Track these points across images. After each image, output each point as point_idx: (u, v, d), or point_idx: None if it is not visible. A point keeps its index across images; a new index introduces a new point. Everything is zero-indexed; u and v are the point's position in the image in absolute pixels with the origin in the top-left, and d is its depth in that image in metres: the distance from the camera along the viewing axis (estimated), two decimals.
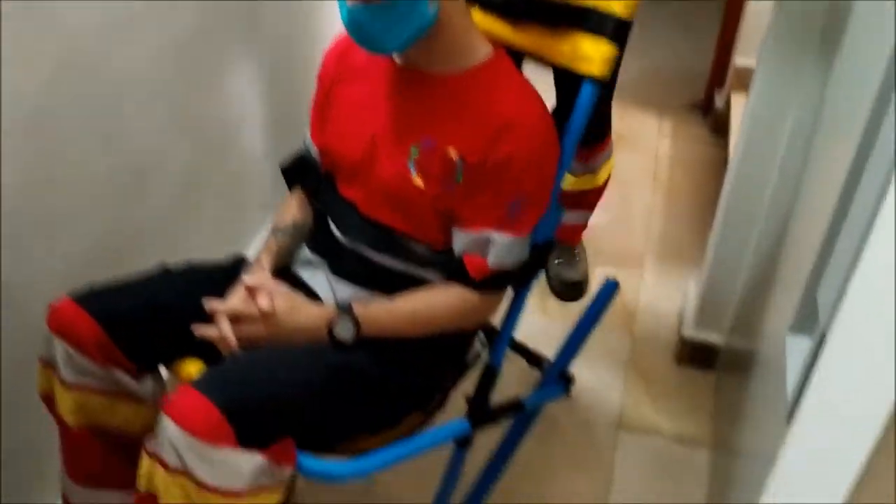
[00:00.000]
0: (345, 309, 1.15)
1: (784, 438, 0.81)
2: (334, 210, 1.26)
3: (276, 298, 1.13)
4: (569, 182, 1.95)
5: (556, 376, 1.39)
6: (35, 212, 1.25)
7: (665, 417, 1.85)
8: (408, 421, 1.22)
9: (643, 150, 2.73)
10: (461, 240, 1.16)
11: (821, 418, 0.75)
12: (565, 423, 1.84)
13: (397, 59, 1.19)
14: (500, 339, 1.28)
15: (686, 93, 3.00)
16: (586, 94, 1.18)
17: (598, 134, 1.89)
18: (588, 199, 2.05)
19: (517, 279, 1.21)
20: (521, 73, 1.19)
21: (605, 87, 1.71)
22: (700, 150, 2.76)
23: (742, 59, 2.60)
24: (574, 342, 1.37)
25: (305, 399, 1.07)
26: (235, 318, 1.13)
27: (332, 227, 1.25)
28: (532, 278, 1.24)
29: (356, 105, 1.22)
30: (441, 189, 1.14)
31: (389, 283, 1.20)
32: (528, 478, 1.71)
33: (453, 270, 1.17)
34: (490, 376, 1.28)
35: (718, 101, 2.78)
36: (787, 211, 1.44)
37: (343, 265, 1.24)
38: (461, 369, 1.33)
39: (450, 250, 1.18)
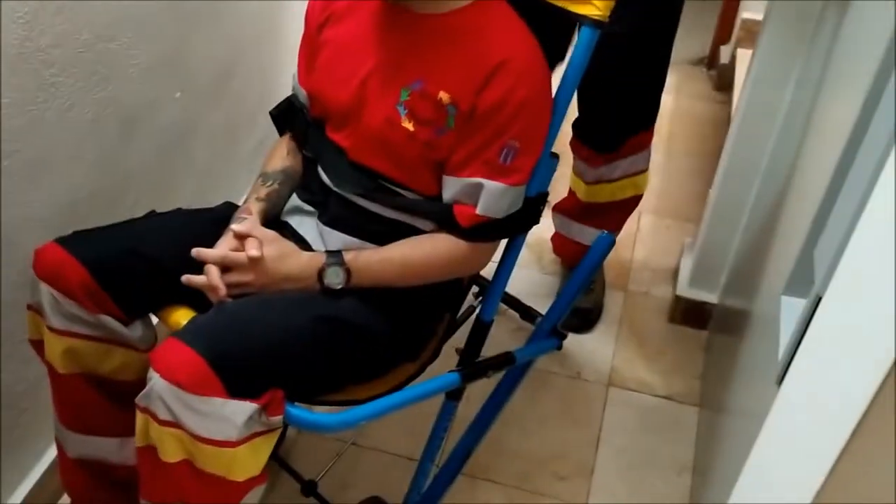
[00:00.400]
0: (335, 256, 1.13)
1: (774, 400, 0.80)
2: (324, 156, 1.23)
3: (265, 246, 1.11)
4: (580, 191, 1.83)
5: (548, 330, 1.37)
6: (21, 156, 1.23)
7: (656, 375, 1.86)
8: (399, 371, 1.21)
9: None
10: (451, 187, 1.14)
11: (811, 380, 0.73)
12: (556, 377, 1.84)
13: None
14: (492, 292, 1.26)
15: (691, 47, 2.94)
16: (584, 40, 1.13)
17: (623, 131, 1.72)
18: (608, 215, 1.85)
19: (508, 229, 1.18)
20: (513, 11, 1.15)
21: (637, 70, 1.65)
22: (703, 106, 2.72)
23: (749, 13, 2.54)
24: (566, 296, 1.35)
25: (294, 348, 1.06)
26: (224, 266, 1.11)
27: (322, 174, 1.22)
28: (525, 230, 1.21)
29: (343, 47, 1.18)
30: (432, 134, 1.11)
31: (380, 232, 1.18)
32: (518, 430, 1.72)
33: (444, 219, 1.15)
34: (481, 329, 1.26)
35: (724, 56, 2.73)
36: (787, 170, 1.42)
37: (333, 213, 1.21)
38: (454, 320, 1.32)
39: (441, 197, 1.16)
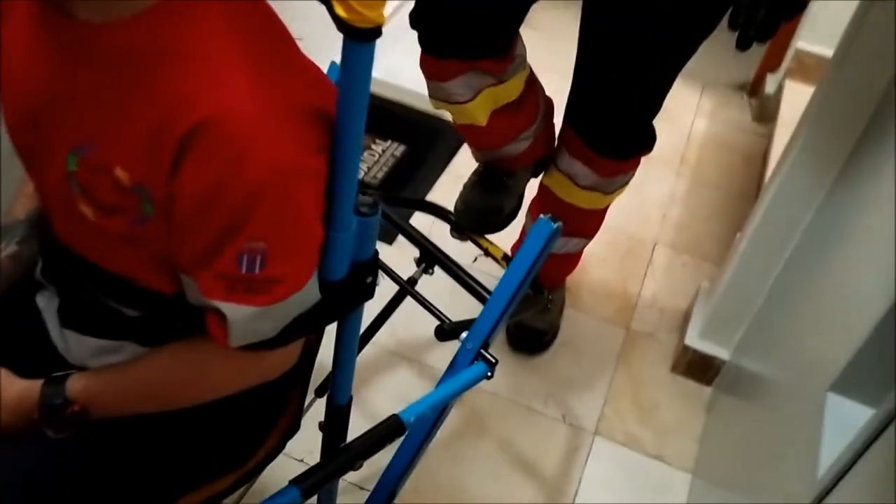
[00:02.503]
0: (55, 387, 0.79)
1: None
2: (42, 223, 0.88)
3: None
4: (564, 191, 1.52)
5: (473, 353, 1.03)
6: None
7: (648, 431, 1.66)
8: (216, 484, 0.93)
9: (675, 127, 2.47)
10: (190, 289, 0.76)
11: None
12: (539, 416, 1.64)
13: None
14: (340, 374, 0.94)
15: (734, 70, 2.72)
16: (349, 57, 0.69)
17: (637, 144, 1.47)
18: (585, 223, 1.59)
19: (306, 328, 0.79)
20: (238, 18, 0.71)
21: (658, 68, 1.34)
22: (738, 136, 2.51)
23: (805, 42, 2.32)
24: (497, 302, 0.99)
25: None
26: None
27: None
28: (343, 314, 0.86)
29: (12, 60, 0.77)
30: (125, 226, 0.73)
31: (139, 333, 0.83)
32: (486, 473, 1.53)
33: (201, 324, 0.78)
34: (337, 416, 0.96)
35: (769, 86, 2.51)
36: (841, 229, 1.22)
37: (72, 302, 0.86)
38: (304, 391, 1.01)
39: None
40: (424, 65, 1.36)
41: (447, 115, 1.49)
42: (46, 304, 0.90)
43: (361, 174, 2.07)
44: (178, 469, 0.88)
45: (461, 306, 1.18)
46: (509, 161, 1.54)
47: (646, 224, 2.13)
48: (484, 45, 1.32)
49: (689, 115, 2.54)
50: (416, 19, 1.31)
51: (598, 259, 1.98)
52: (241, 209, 0.69)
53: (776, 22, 1.06)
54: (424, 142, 2.22)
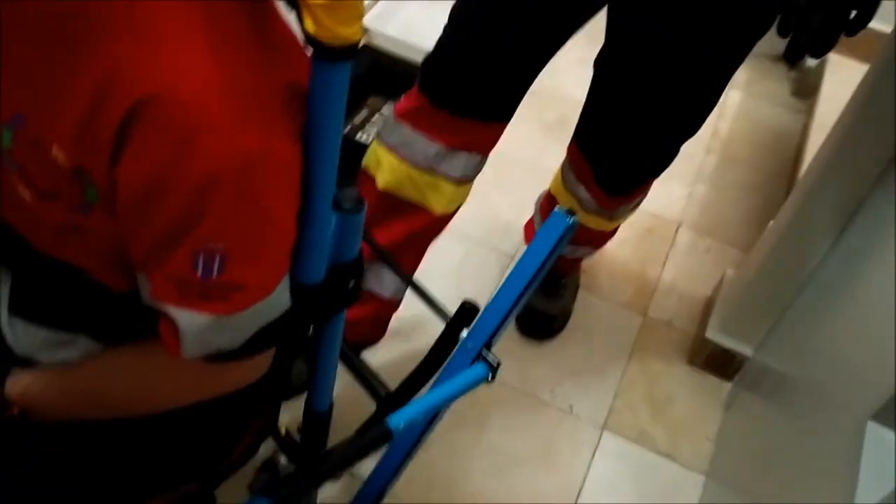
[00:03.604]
0: None
1: None
2: None
3: None
4: (567, 204, 1.40)
5: (473, 353, 0.94)
6: None
7: (660, 427, 1.55)
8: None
9: None
10: (144, 290, 0.66)
11: None
12: (545, 407, 1.54)
13: None
14: (320, 379, 0.84)
15: (774, 41, 2.54)
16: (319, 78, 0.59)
17: (653, 172, 1.34)
18: (593, 238, 1.50)
19: (274, 337, 0.68)
20: None
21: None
22: (775, 112, 2.35)
23: None
24: (505, 298, 0.91)
25: None
26: None
27: None
28: (316, 323, 0.76)
29: None
30: (66, 214, 0.63)
31: (93, 327, 0.73)
32: (487, 466, 1.43)
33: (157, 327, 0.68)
34: (316, 422, 0.86)
35: (811, 59, 2.35)
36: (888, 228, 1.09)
37: (24, 290, 0.75)
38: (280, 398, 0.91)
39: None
40: (430, 122, 1.17)
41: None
42: None
43: (369, 140, 1.95)
44: (141, 474, 0.79)
45: (470, 285, 1.06)
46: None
47: (669, 202, 2.00)
48: (497, 104, 1.17)
49: None
50: (430, 76, 1.16)
51: (616, 238, 1.84)
52: (191, 204, 0.58)
53: (834, 34, 0.91)
54: None
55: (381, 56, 1.99)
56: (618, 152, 1.28)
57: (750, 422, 1.45)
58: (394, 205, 1.22)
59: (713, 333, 1.60)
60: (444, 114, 1.15)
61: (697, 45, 1.09)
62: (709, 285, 1.78)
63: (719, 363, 1.62)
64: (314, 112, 0.59)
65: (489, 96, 1.16)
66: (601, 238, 1.51)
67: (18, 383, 0.71)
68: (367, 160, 1.24)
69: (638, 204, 1.44)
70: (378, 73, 1.95)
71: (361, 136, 1.91)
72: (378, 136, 1.23)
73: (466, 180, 1.24)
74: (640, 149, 1.26)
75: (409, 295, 1.65)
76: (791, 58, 0.90)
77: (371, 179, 1.22)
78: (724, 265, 1.78)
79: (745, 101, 2.36)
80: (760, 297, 1.51)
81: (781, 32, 0.92)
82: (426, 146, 1.17)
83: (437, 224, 1.27)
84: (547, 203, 1.53)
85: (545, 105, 2.07)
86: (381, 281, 1.27)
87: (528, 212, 1.69)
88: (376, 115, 2.04)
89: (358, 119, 1.96)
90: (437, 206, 1.22)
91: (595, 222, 1.42)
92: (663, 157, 1.29)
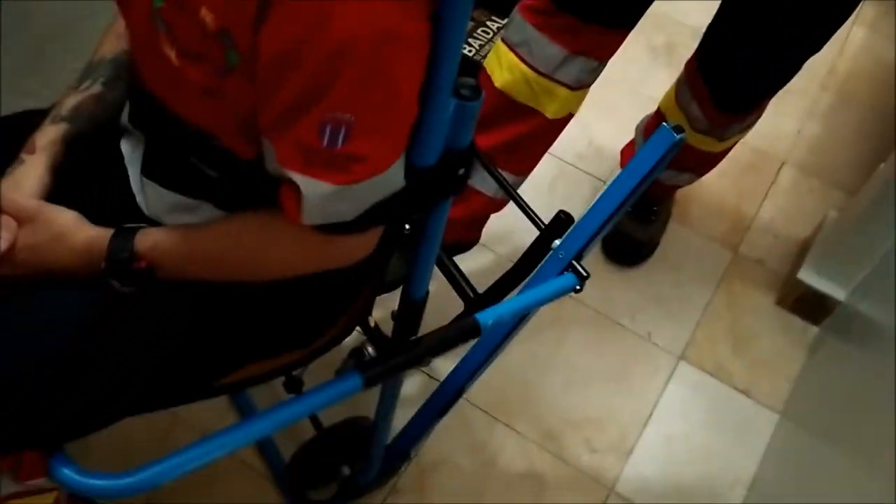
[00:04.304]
0: (123, 240, 0.75)
1: None
2: (130, 65, 0.82)
3: (22, 229, 0.76)
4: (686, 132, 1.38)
5: (565, 262, 0.94)
6: None
7: (739, 362, 1.55)
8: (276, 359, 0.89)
9: None
10: (269, 157, 0.70)
11: None
12: (623, 331, 1.56)
13: None
14: (419, 267, 0.83)
15: None
16: None
17: (766, 94, 1.32)
18: (698, 162, 1.47)
19: (384, 217, 0.72)
20: None
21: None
22: None
23: None
24: (599, 212, 0.90)
25: (53, 379, 0.72)
26: None
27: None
28: (429, 206, 0.77)
29: None
30: (208, 76, 0.67)
31: (217, 194, 0.78)
32: (561, 379, 1.47)
33: (278, 195, 0.72)
34: (412, 309, 0.86)
35: None
36: None
37: (156, 152, 0.80)
38: (377, 291, 0.94)
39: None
40: (554, 24, 1.18)
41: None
42: (131, 151, 0.85)
43: (470, 52, 1.94)
44: (244, 338, 0.85)
45: (560, 205, 1.07)
46: None
47: (776, 138, 1.93)
48: (623, 10, 1.19)
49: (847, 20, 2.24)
50: None
51: (715, 170, 1.80)
52: (323, 71, 0.61)
53: None
54: None
55: None
56: (739, 71, 1.26)
57: (834, 367, 1.42)
58: (509, 105, 1.25)
59: (806, 275, 1.56)
60: (569, 18, 1.16)
61: None
62: (807, 226, 1.72)
63: (809, 306, 1.59)
64: None
65: (615, 2, 1.17)
66: (704, 163, 1.48)
67: (148, 238, 0.76)
68: (489, 59, 1.28)
69: (748, 127, 1.40)
70: None
71: (463, 48, 1.90)
72: (503, 34, 1.25)
73: (582, 86, 1.26)
74: (762, 66, 1.23)
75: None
76: None
77: (489, 79, 1.25)
78: (826, 207, 1.72)
79: (868, 38, 2.21)
80: (861, 242, 1.46)
81: None
82: (547, 48, 1.19)
83: (550, 129, 1.30)
84: (654, 123, 1.51)
85: (656, 28, 2.00)
86: (487, 178, 1.29)
87: (625, 137, 1.66)
88: (480, 29, 2.03)
89: None
90: (550, 110, 1.25)
91: (703, 142, 1.39)
92: (785, 75, 1.26)
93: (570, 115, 1.31)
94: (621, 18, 1.19)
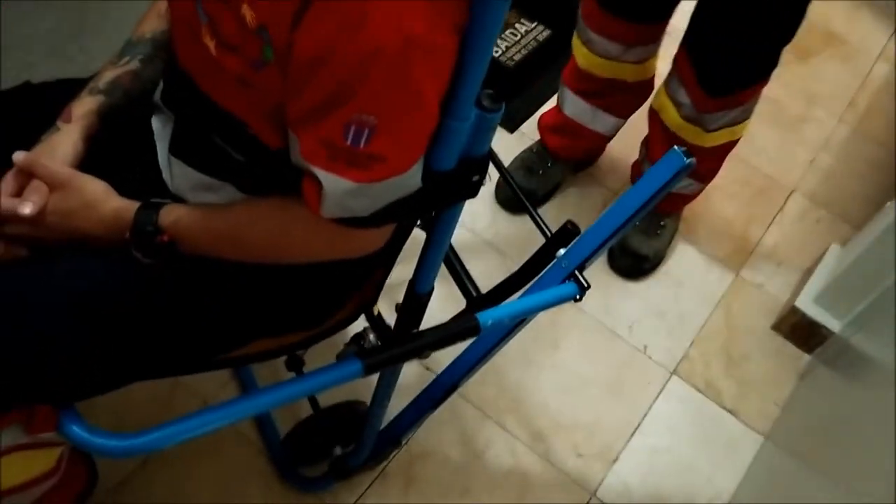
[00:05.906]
0: (148, 215, 0.79)
1: None
2: (168, 45, 0.86)
3: (53, 194, 0.79)
4: (669, 118, 1.48)
5: (567, 271, 0.97)
6: None
7: (730, 382, 1.58)
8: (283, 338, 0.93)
9: (851, 65, 2.20)
10: (294, 150, 0.73)
11: None
12: (620, 342, 1.59)
13: None
14: (427, 262, 0.87)
15: None
16: None
17: (760, 69, 1.39)
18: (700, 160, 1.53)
19: (398, 215, 0.75)
20: None
21: None
22: None
23: None
24: (606, 227, 0.93)
25: (58, 341, 0.75)
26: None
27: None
28: (439, 209, 0.80)
29: None
30: (244, 67, 0.71)
31: (240, 178, 0.82)
32: (555, 383, 1.50)
33: (299, 185, 0.76)
34: (415, 303, 0.90)
35: None
36: None
37: (185, 131, 0.85)
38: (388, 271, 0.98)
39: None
40: (607, 26, 1.47)
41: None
42: (161, 127, 0.89)
43: (498, 53, 1.97)
44: (253, 315, 0.89)
45: (569, 215, 1.11)
46: None
47: (789, 166, 1.95)
48: (658, 8, 1.45)
49: (870, 55, 2.26)
50: None
51: (725, 192, 1.84)
52: (354, 73, 0.65)
53: None
54: (572, 30, 2.08)
55: None
56: (721, 53, 1.37)
57: (822, 395, 1.45)
58: (593, 79, 1.56)
59: (804, 303, 1.59)
60: (617, 20, 1.44)
61: None
62: (810, 256, 1.75)
63: (804, 333, 1.62)
64: (476, 9, 0.63)
65: (650, 3, 1.43)
66: (704, 163, 1.52)
67: (172, 213, 0.79)
68: (574, 45, 1.58)
69: (734, 123, 1.46)
70: None
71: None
72: (576, 28, 1.56)
73: (647, 60, 1.53)
74: (741, 47, 1.34)
75: (509, 215, 1.71)
76: None
77: (573, 59, 1.59)
78: (831, 238, 1.75)
79: (892, 74, 2.23)
80: (860, 276, 1.49)
81: None
82: (607, 45, 1.49)
83: (634, 89, 1.58)
84: (650, 127, 1.60)
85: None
86: (597, 121, 1.64)
87: (636, 150, 1.69)
88: (508, 30, 2.05)
89: None
90: (629, 76, 1.54)
91: (690, 132, 1.46)
92: (761, 61, 1.38)
93: (649, 78, 1.58)
94: (659, 13, 1.46)
